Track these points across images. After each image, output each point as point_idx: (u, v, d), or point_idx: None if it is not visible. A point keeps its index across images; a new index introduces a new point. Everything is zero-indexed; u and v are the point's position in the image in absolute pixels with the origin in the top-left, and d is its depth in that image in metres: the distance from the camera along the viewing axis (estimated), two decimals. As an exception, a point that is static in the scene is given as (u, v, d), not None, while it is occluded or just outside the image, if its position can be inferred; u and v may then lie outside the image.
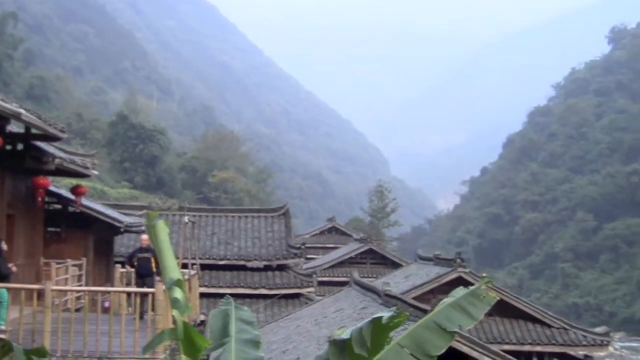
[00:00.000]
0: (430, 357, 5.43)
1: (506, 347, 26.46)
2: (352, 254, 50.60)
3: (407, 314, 5.24)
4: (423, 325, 5.59)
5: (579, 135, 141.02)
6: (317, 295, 33.04)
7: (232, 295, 12.96)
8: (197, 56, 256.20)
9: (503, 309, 28.76)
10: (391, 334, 5.33)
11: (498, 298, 6.41)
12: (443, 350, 5.50)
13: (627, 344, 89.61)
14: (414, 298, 24.14)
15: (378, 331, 5.06)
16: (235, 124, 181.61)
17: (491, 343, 24.53)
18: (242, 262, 32.50)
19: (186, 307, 5.98)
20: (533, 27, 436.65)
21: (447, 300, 5.96)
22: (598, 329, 30.20)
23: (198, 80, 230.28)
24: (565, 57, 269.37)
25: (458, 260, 29.91)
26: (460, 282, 28.83)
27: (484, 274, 7.16)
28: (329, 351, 5.12)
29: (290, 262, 32.95)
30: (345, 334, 5.10)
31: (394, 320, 5.08)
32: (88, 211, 25.87)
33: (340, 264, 50.04)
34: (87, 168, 21.98)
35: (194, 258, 27.85)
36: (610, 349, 49.71)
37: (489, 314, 28.67)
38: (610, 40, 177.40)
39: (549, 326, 29.03)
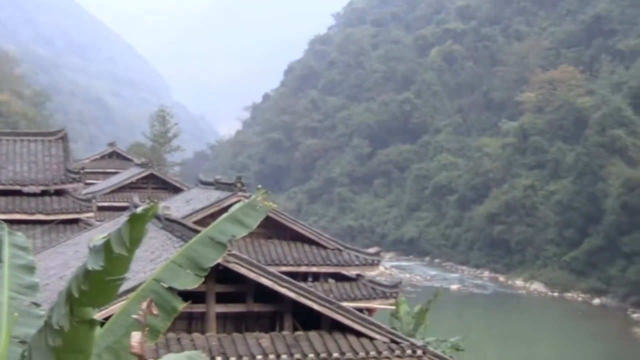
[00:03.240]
0: (203, 270, 5.72)
1: (284, 268, 27.37)
2: (133, 179, 49.75)
3: (159, 202, 5.43)
4: (197, 242, 5.84)
5: (357, 64, 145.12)
6: (97, 221, 32.51)
7: (7, 221, 12.67)
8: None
9: (282, 232, 29.72)
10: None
11: (274, 206, 6.78)
12: (216, 262, 5.77)
13: (395, 263, 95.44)
14: (195, 222, 24.42)
15: (135, 226, 5.20)
16: (10, 44, 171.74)
17: (269, 265, 25.35)
18: (17, 187, 31.26)
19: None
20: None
21: (224, 215, 6.24)
22: (370, 250, 31.77)
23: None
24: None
25: (238, 185, 30.30)
26: (240, 206, 29.36)
27: (259, 186, 7.53)
28: (89, 259, 5.10)
29: (68, 187, 32.07)
30: (103, 237, 5.13)
31: (149, 212, 5.27)
32: None
33: (121, 189, 49.14)
34: None
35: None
36: (381, 268, 52.84)
37: (268, 237, 29.54)
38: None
39: (325, 248, 30.22)
